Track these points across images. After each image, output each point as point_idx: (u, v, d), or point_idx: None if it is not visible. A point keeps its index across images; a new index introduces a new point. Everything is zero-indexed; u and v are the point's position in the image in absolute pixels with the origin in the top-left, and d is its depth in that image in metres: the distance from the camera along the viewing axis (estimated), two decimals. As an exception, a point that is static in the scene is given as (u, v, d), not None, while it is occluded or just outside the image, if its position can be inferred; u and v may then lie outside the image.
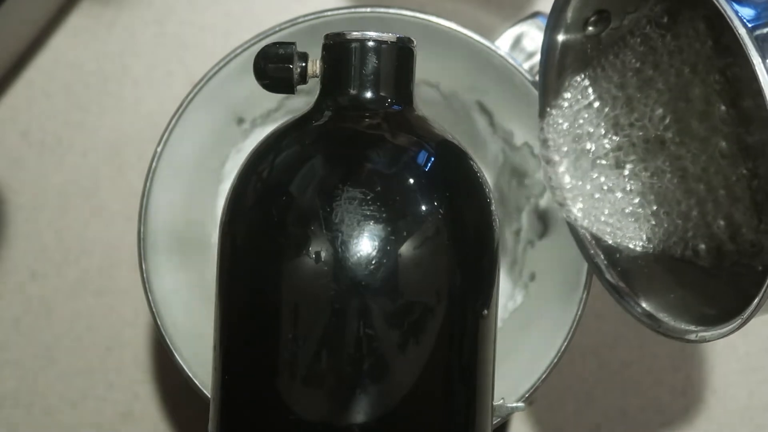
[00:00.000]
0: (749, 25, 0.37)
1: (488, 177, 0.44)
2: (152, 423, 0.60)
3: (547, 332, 0.51)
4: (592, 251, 0.48)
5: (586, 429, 0.60)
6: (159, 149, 0.51)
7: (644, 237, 0.47)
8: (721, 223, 0.45)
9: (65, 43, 0.61)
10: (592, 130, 0.48)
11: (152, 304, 0.50)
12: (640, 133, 0.47)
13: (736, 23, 0.37)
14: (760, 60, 0.37)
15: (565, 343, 0.50)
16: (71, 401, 0.60)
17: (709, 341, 0.42)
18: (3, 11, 0.55)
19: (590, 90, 0.48)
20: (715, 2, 0.38)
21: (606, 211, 0.48)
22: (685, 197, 0.46)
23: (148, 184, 0.51)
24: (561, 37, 0.47)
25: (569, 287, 0.50)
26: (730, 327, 0.41)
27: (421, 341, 0.40)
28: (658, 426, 0.60)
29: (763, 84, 0.37)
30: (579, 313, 0.50)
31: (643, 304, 0.46)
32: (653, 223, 0.47)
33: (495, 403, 0.43)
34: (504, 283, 0.55)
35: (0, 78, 0.61)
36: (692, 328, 0.43)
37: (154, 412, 0.60)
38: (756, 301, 0.39)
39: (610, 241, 0.48)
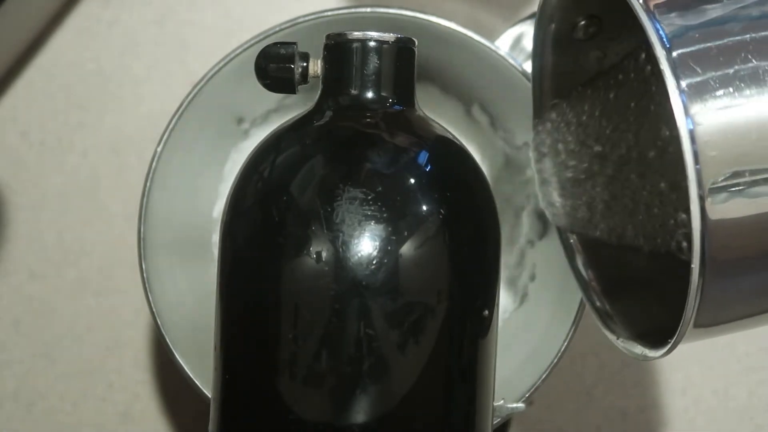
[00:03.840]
0: (668, 45, 0.37)
1: (489, 177, 0.43)
2: (152, 423, 0.60)
3: (547, 332, 0.51)
4: (574, 251, 0.48)
5: (586, 429, 0.60)
6: (159, 149, 0.51)
7: (626, 239, 0.47)
8: (683, 215, 0.45)
9: (65, 43, 0.61)
10: (580, 138, 0.48)
11: (152, 304, 0.50)
12: (617, 150, 0.47)
13: (656, 44, 0.37)
14: (674, 82, 0.37)
15: (565, 343, 0.50)
16: (71, 401, 0.60)
17: (650, 360, 0.42)
18: (3, 11, 0.55)
19: (580, 102, 0.48)
20: (640, 21, 0.38)
21: (590, 216, 0.48)
22: (654, 198, 0.46)
23: (148, 184, 0.51)
24: (551, 43, 0.47)
25: (569, 287, 0.50)
26: (665, 350, 0.40)
27: (422, 341, 0.40)
28: (658, 426, 0.60)
29: (675, 106, 0.37)
30: (579, 313, 0.50)
31: (608, 306, 0.46)
32: (635, 228, 0.47)
33: (495, 403, 0.43)
34: (504, 283, 0.55)
35: (0, 78, 0.61)
36: (638, 342, 0.43)
37: (154, 412, 0.60)
38: (680, 327, 0.39)
39: (593, 245, 0.48)
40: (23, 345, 0.60)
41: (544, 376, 0.50)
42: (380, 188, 0.39)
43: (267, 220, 0.40)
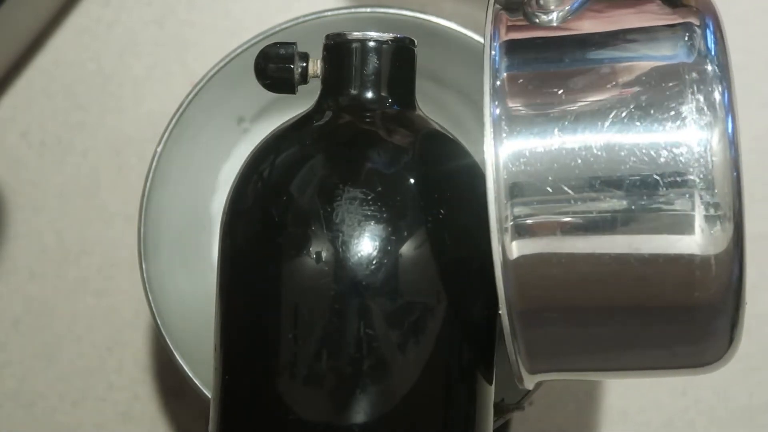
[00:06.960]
0: (497, 72, 0.37)
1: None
2: (152, 423, 0.60)
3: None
4: None
5: (586, 429, 0.60)
6: (159, 149, 0.51)
7: None
8: None
9: (65, 43, 0.61)
10: None
11: (152, 304, 0.50)
12: None
13: (487, 71, 0.37)
14: (489, 110, 0.37)
15: (566, 343, 0.50)
16: (71, 401, 0.60)
17: (520, 386, 0.41)
18: (3, 11, 0.55)
19: None
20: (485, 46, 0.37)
21: None
22: None
23: (148, 184, 0.51)
24: None
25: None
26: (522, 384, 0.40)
27: (422, 341, 0.40)
28: (658, 426, 0.60)
29: (486, 133, 0.37)
30: (579, 313, 0.50)
31: None
32: None
33: (495, 403, 0.43)
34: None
35: (0, 78, 0.61)
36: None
37: (154, 412, 0.60)
38: (513, 368, 0.38)
39: None
40: (23, 345, 0.60)
41: (544, 376, 0.50)
42: (380, 188, 0.39)
43: (267, 220, 0.40)
